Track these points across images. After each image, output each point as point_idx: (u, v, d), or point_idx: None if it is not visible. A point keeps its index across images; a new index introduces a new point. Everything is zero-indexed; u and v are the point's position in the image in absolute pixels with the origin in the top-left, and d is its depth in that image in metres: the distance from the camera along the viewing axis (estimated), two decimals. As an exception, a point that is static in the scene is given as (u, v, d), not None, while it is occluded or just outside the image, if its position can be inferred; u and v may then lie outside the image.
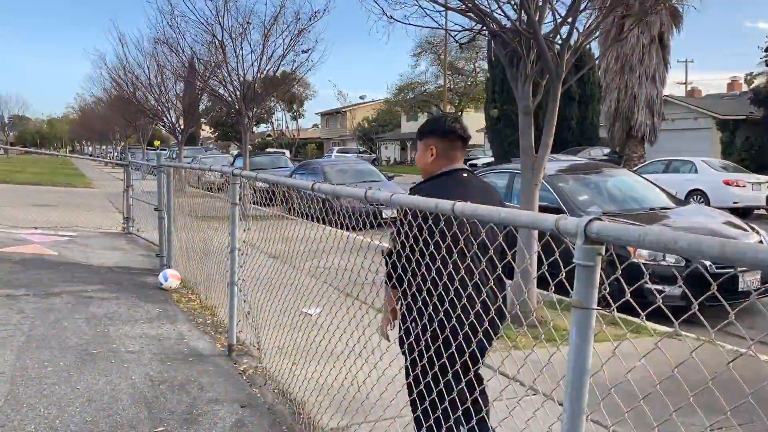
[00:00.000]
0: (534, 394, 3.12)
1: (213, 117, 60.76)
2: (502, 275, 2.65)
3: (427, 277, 2.46)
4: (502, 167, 10.40)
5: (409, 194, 2.56)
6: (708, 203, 15.71)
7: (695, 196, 16.98)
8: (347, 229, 3.21)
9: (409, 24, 6.59)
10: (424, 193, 2.54)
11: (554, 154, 26.66)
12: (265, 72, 15.20)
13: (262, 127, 79.20)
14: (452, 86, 46.15)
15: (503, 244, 2.33)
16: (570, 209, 7.83)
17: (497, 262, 2.47)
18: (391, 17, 6.59)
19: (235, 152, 69.42)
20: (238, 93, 15.00)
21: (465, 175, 2.85)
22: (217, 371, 4.39)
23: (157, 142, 54.90)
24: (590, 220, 1.49)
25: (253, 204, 4.93)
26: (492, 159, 37.91)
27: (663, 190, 8.98)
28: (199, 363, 4.54)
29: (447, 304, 2.39)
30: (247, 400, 3.90)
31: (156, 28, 19.07)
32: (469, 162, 40.02)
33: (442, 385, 2.45)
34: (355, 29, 71.60)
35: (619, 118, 23.81)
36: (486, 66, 46.87)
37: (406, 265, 2.57)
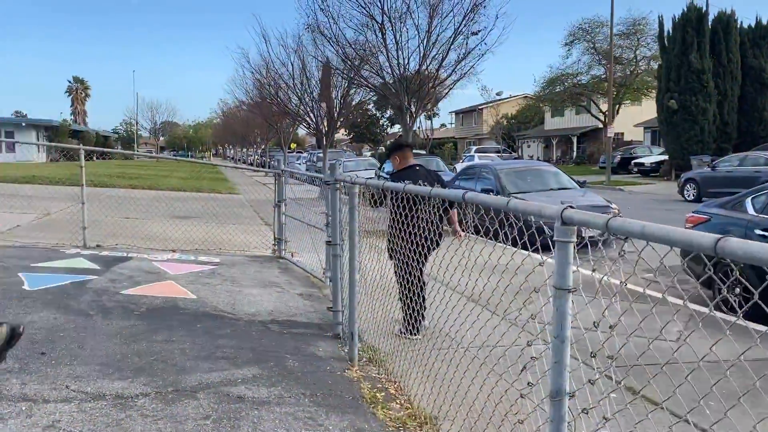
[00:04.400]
0: None
1: (350, 119, 59.68)
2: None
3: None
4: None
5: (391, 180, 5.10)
6: None
7: None
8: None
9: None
10: (399, 179, 5.03)
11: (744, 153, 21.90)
12: (430, 58, 12.67)
13: (396, 128, 77.69)
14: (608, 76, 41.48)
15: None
16: None
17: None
18: None
19: (368, 154, 68.47)
20: (398, 84, 12.58)
21: (417, 168, 5.82)
22: None
23: (293, 145, 54.72)
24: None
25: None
26: (663, 157, 33.21)
27: None
28: None
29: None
30: None
31: (306, 13, 17.14)
32: (635, 161, 35.44)
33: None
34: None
35: None
36: (648, 54, 41.86)
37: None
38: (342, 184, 5.26)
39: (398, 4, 12.42)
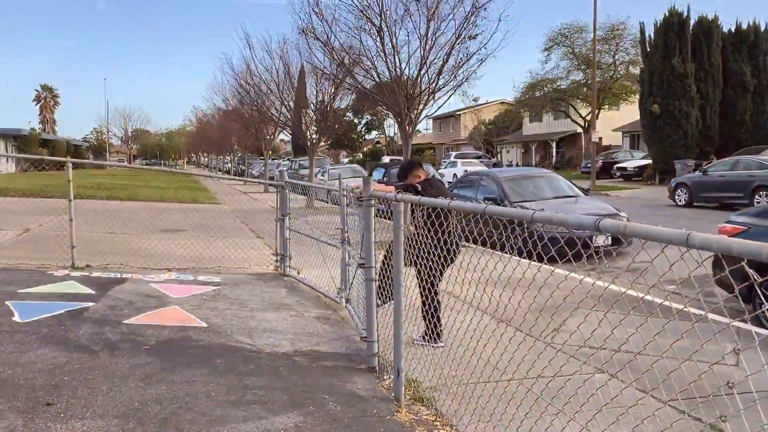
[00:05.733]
0: None
1: (334, 127, 59.18)
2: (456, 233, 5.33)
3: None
4: None
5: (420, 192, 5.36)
6: None
7: None
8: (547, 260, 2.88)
9: None
10: (427, 189, 5.58)
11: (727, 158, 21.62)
12: (429, 63, 12.22)
13: (373, 134, 77.25)
14: (587, 81, 41.65)
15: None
16: None
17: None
18: None
19: (346, 161, 67.77)
20: (397, 89, 12.10)
21: (434, 178, 6.34)
22: None
23: (269, 152, 53.81)
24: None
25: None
26: (645, 161, 33.30)
27: None
28: None
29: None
30: None
31: (300, 16, 16.48)
32: (617, 165, 35.47)
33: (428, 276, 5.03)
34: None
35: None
36: (626, 58, 42.10)
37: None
38: (370, 199, 4.73)
39: (394, 6, 11.95)
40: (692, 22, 30.35)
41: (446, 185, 19.50)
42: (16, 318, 5.48)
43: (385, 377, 4.67)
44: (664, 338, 2.68)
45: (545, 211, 3.00)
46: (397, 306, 4.26)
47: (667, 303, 3.96)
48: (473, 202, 11.79)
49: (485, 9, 11.68)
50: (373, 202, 4.72)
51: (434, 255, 4.66)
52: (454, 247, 5.27)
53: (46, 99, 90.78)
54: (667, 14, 30.19)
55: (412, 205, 4.46)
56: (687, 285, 7.27)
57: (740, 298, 4.29)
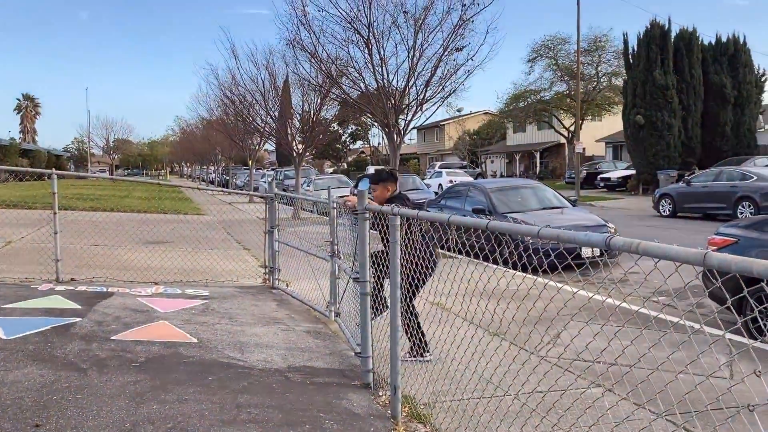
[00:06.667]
0: None
1: (320, 138, 59.13)
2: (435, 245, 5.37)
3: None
4: None
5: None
6: None
7: None
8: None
9: None
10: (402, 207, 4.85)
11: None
12: (416, 75, 12.24)
13: (358, 144, 77.15)
14: (570, 92, 42.01)
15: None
16: None
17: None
18: None
19: (330, 171, 67.62)
20: (385, 101, 12.09)
21: (400, 195, 5.84)
22: None
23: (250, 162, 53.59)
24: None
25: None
26: (629, 171, 33.62)
27: None
28: None
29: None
30: None
31: (287, 28, 16.29)
32: (601, 175, 35.77)
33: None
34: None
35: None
36: (608, 70, 42.55)
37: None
38: (361, 213, 4.68)
39: (382, 17, 11.96)
40: (673, 34, 30.77)
41: (433, 195, 19.45)
42: (1, 335, 5.33)
43: (381, 393, 4.60)
44: (659, 351, 2.66)
45: (536, 222, 2.98)
46: (393, 321, 4.21)
47: (661, 315, 3.96)
48: (475, 217, 11.78)
49: (472, 21, 11.72)
50: (368, 215, 4.67)
51: (421, 267, 4.68)
52: (434, 258, 5.36)
53: (27, 109, 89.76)
54: (649, 26, 30.59)
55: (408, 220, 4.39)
56: (678, 296, 7.30)
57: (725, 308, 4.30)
